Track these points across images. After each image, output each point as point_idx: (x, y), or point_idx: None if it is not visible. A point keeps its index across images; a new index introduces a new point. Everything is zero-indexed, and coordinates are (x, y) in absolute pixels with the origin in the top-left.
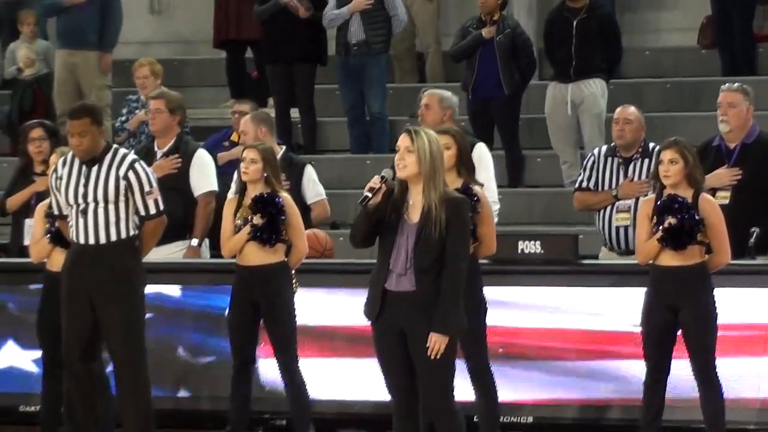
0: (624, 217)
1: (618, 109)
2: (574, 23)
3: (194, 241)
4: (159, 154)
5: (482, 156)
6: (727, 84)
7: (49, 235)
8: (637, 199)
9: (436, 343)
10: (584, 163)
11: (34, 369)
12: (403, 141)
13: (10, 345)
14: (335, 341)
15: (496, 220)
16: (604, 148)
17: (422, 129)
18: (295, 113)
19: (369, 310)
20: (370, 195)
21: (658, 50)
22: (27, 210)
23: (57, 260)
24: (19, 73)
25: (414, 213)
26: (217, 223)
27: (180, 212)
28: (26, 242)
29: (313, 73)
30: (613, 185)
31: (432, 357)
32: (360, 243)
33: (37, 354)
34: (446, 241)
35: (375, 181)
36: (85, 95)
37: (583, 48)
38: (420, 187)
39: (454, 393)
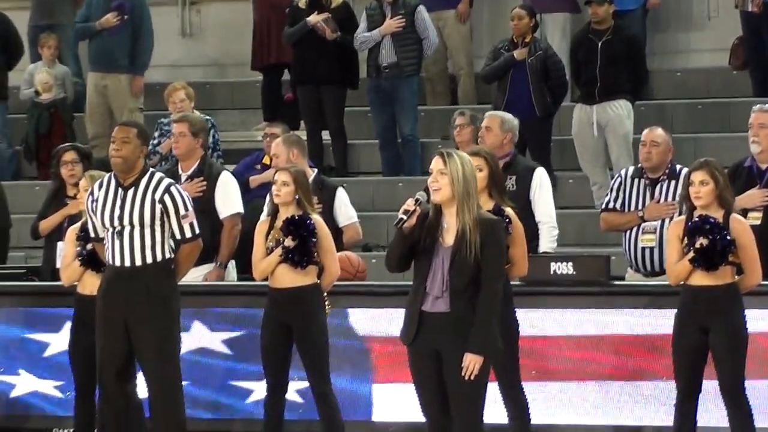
0: (649, 239)
1: (645, 131)
2: (599, 45)
3: (219, 263)
4: (183, 177)
5: (542, 181)
6: (758, 105)
7: (80, 258)
8: (663, 220)
9: (471, 362)
10: (611, 183)
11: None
12: (436, 164)
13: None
14: None
15: (555, 244)
16: (631, 169)
17: (455, 151)
18: (326, 135)
19: (405, 333)
20: (404, 217)
21: (689, 71)
22: (60, 233)
23: (88, 283)
24: (37, 96)
25: (448, 236)
26: (247, 246)
27: (206, 235)
28: (58, 265)
29: (342, 95)
30: (640, 206)
31: (466, 377)
32: (395, 266)
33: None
34: (481, 263)
35: (409, 204)
36: (117, 118)
37: (608, 69)
38: (454, 209)
39: (483, 416)
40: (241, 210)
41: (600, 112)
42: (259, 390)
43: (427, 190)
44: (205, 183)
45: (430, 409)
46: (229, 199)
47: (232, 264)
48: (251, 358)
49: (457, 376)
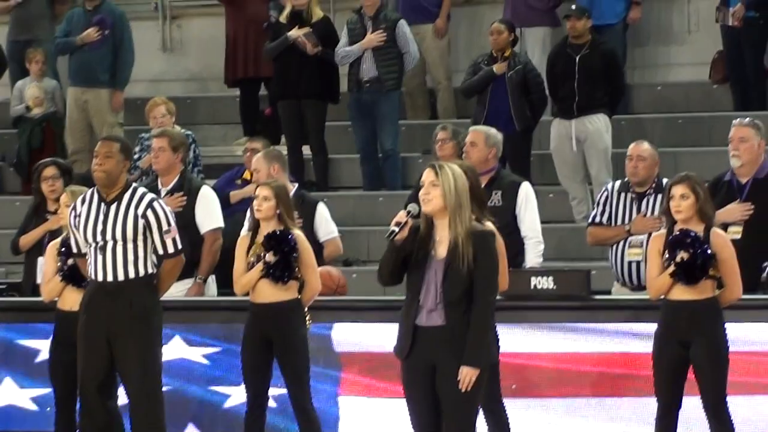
0: (636, 253)
1: (631, 146)
2: (577, 59)
3: (199, 278)
4: (163, 192)
5: (528, 195)
6: (738, 119)
7: (61, 273)
8: (650, 234)
9: (467, 375)
10: (597, 198)
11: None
12: (427, 175)
13: (21, 383)
14: None
15: (541, 259)
16: (618, 183)
17: (447, 164)
18: (307, 150)
19: (399, 347)
20: (396, 229)
21: (669, 85)
22: (40, 248)
23: (69, 299)
24: (28, 111)
25: (441, 248)
26: (228, 261)
27: (186, 250)
28: (39, 280)
29: (324, 110)
30: (627, 220)
31: (462, 390)
32: (387, 279)
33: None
34: (474, 274)
35: (401, 216)
36: (97, 133)
37: (586, 84)
38: (446, 221)
39: (476, 430)
40: (222, 225)
41: (578, 127)
42: (239, 404)
43: (417, 202)
44: (185, 198)
45: (422, 423)
46: (209, 213)
47: (212, 279)
48: (231, 373)
49: (452, 389)
